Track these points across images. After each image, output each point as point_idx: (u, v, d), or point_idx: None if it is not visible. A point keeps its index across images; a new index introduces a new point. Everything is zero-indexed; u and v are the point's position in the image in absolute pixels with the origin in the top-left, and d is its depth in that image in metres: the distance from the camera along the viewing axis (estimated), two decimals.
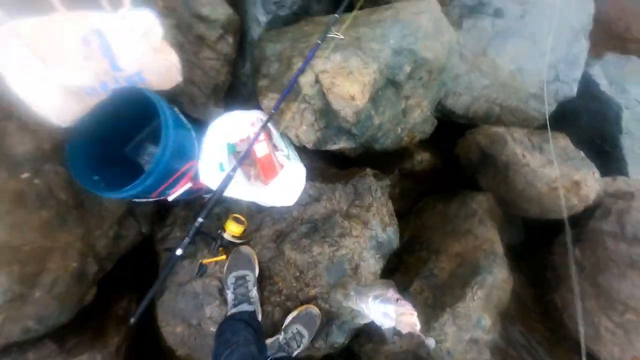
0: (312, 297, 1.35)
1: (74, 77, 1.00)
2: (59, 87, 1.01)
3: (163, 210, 1.56)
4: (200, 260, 1.31)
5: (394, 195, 1.82)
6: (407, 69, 1.26)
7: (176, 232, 1.47)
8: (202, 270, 1.31)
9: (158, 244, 1.47)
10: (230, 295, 1.25)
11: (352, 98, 1.15)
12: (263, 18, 1.37)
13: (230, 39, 1.27)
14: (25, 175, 1.11)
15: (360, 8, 1.27)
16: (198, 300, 1.37)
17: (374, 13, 1.29)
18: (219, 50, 1.26)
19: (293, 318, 1.25)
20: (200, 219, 1.16)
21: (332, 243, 1.38)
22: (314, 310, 1.28)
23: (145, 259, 1.51)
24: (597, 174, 1.61)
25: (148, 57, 1.04)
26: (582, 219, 1.75)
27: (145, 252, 1.51)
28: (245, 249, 1.36)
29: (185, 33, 1.19)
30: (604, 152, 2.12)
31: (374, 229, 1.41)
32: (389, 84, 1.30)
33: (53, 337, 1.21)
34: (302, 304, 1.33)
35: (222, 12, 1.21)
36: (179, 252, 1.15)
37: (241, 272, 1.28)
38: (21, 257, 1.10)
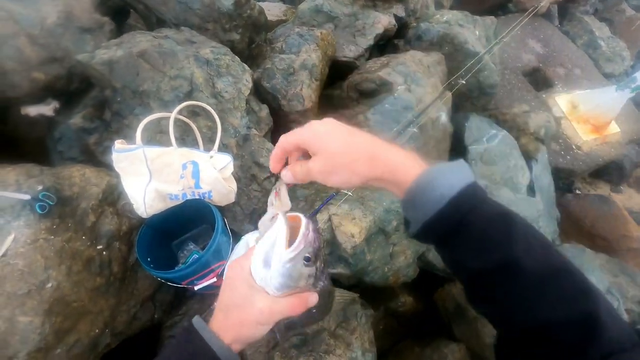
0: None
1: (168, 187, 1.46)
2: (155, 191, 1.47)
3: (177, 301, 1.80)
4: None
5: (378, 332, 2.02)
6: (394, 223, 1.72)
7: (184, 322, 1.68)
8: None
9: (165, 330, 1.66)
10: None
11: (352, 236, 1.57)
12: None
13: (274, 180, 1.79)
14: (100, 247, 1.46)
15: None
16: None
17: None
18: (264, 186, 1.76)
19: None
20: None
21: (316, 357, 1.56)
22: None
23: (142, 345, 1.66)
24: None
25: (219, 183, 1.53)
26: None
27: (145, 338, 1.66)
28: None
29: (245, 171, 1.72)
30: None
31: (355, 352, 1.60)
32: (380, 232, 1.73)
33: None
34: None
35: None
36: None
37: None
38: (67, 311, 1.33)
